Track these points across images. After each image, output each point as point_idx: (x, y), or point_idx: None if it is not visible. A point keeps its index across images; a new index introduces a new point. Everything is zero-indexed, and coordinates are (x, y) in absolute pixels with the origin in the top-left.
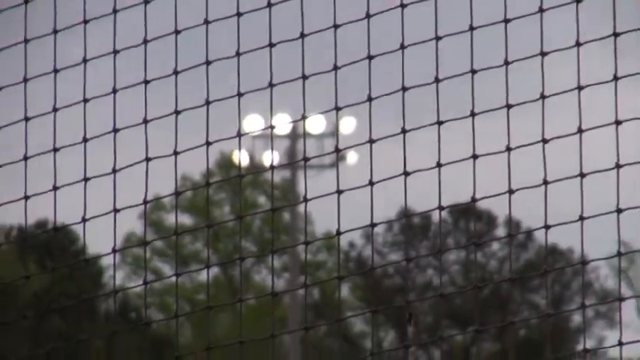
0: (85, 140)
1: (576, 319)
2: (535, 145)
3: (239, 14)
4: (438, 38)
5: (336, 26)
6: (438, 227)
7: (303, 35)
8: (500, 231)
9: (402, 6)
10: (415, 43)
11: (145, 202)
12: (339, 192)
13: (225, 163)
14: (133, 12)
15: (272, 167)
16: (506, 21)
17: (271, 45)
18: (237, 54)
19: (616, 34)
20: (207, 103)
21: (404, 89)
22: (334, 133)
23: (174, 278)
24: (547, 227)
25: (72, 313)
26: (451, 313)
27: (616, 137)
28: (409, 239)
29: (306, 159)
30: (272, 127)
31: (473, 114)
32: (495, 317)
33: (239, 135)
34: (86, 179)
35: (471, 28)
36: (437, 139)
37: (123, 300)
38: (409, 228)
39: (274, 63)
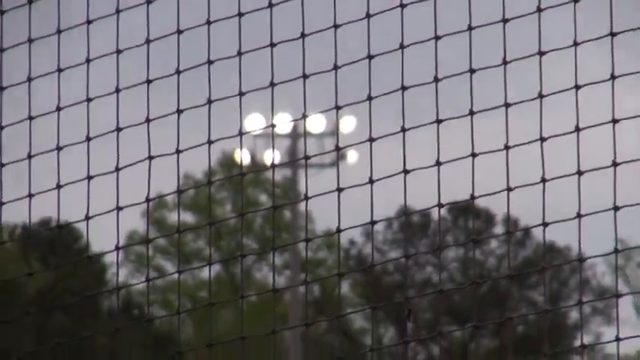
0: (89, 139)
1: (574, 315)
2: (533, 143)
3: (240, 14)
4: (437, 38)
5: (336, 26)
6: (437, 225)
7: (303, 35)
8: (499, 229)
9: (402, 6)
10: (414, 43)
11: (148, 200)
12: (340, 190)
13: (227, 161)
14: (136, 12)
15: (273, 166)
16: (505, 21)
17: (272, 45)
18: (239, 54)
19: (613, 34)
20: (209, 102)
21: (403, 88)
22: (334, 132)
23: (176, 275)
24: (545, 225)
25: (75, 309)
26: (450, 309)
27: (613, 135)
28: (408, 237)
29: (306, 157)
30: (273, 126)
31: (472, 113)
32: (494, 313)
33: (240, 134)
34: (89, 177)
35: (470, 28)
36: (436, 138)
37: (126, 297)
38: (409, 226)
39: (275, 63)
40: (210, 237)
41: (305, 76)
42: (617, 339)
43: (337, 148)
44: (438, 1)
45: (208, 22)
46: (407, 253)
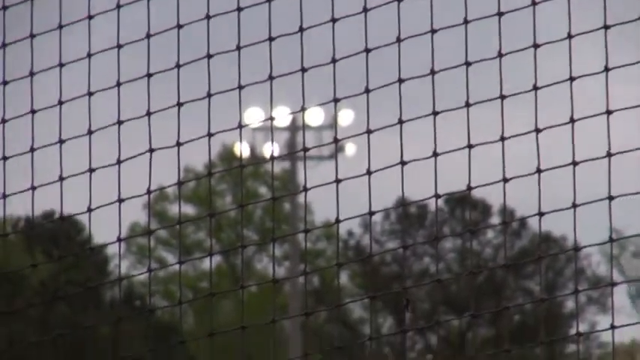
0: (90, 132)
1: (569, 304)
2: (528, 134)
3: (239, 9)
4: (433, 31)
5: (334, 20)
6: (435, 216)
7: (302, 29)
8: (495, 219)
9: (399, 0)
10: (411, 36)
11: (149, 192)
12: (338, 182)
13: (227, 154)
14: (136, 7)
15: (272, 158)
16: (500, 14)
17: (271, 39)
18: (238, 48)
19: (606, 27)
20: (209, 95)
21: (400, 81)
22: (333, 124)
23: (177, 266)
24: (540, 215)
25: (78, 300)
26: (447, 299)
27: (607, 126)
28: (406, 228)
29: (305, 150)
30: (272, 119)
31: (468, 105)
32: (490, 303)
33: (240, 127)
34: (91, 170)
35: (466, 22)
36: (433, 130)
37: (128, 288)
38: (406, 217)
39: (274, 56)
40: (210, 228)
41: (303, 70)
42: (612, 327)
43: (335, 141)
44: None
45: (208, 17)
46: (405, 243)
